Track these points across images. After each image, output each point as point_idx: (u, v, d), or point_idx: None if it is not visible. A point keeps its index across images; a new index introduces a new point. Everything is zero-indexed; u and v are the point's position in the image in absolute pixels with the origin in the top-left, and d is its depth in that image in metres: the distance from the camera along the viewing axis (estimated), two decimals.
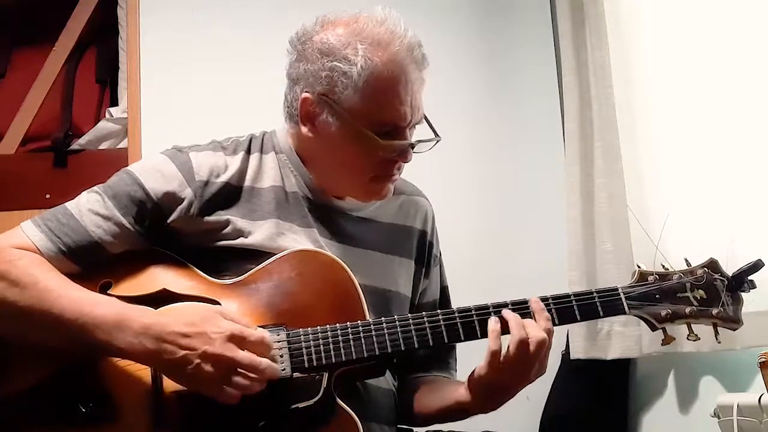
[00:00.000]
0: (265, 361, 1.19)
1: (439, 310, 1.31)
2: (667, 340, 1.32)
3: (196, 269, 1.34)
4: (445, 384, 1.48)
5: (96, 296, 1.26)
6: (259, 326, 1.27)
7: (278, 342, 1.25)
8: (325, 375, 1.25)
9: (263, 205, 1.40)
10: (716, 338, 1.31)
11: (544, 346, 1.25)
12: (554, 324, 1.29)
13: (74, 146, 2.40)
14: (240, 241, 1.36)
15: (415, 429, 1.52)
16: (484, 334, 1.28)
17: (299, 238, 1.39)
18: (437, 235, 1.59)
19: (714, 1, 1.73)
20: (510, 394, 1.32)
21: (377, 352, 1.27)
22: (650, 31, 1.91)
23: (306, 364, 1.24)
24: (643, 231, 1.63)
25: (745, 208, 1.62)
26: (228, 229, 1.36)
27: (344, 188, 1.46)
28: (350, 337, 1.27)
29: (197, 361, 1.16)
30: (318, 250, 1.36)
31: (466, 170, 2.35)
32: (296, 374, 1.24)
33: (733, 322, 1.31)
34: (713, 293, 1.32)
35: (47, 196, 2.28)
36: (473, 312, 1.29)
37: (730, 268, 1.34)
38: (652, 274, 1.34)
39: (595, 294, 1.31)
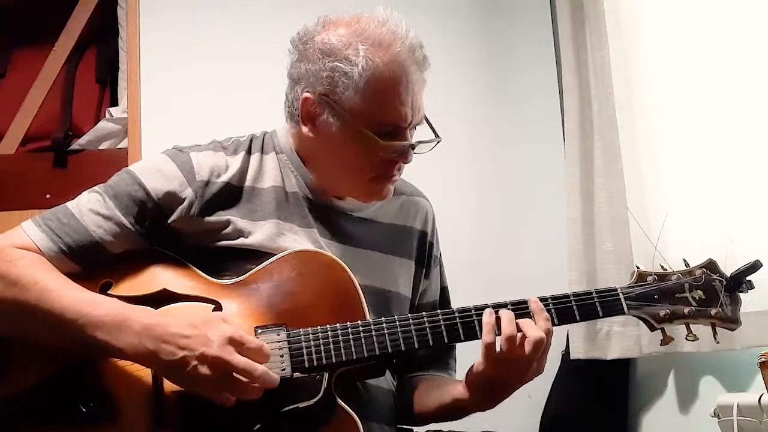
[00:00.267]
0: (261, 368, 1.18)
1: (439, 311, 1.31)
2: (666, 340, 1.32)
3: (196, 269, 1.34)
4: (443, 382, 1.48)
5: (97, 297, 1.26)
6: (260, 326, 1.27)
7: (279, 342, 1.25)
8: (326, 375, 1.25)
9: (264, 205, 1.40)
10: (715, 338, 1.31)
11: (540, 345, 1.25)
12: (554, 324, 1.29)
13: (74, 146, 2.40)
14: (240, 241, 1.36)
15: (415, 429, 1.52)
16: None
17: (299, 239, 1.39)
18: (437, 236, 1.60)
19: (714, 1, 1.73)
20: (507, 392, 1.33)
21: (377, 352, 1.27)
22: (650, 31, 1.91)
23: (306, 364, 1.25)
24: (643, 230, 1.63)
25: (744, 208, 1.62)
26: (228, 230, 1.36)
27: (344, 188, 1.46)
28: (350, 337, 1.27)
29: (194, 362, 1.16)
30: (318, 250, 1.36)
31: (466, 170, 2.35)
32: (296, 374, 1.24)
33: (732, 322, 1.32)
34: (712, 294, 1.32)
35: (47, 196, 2.28)
36: (473, 312, 1.30)
37: (729, 269, 1.34)
38: (651, 275, 1.34)
39: (594, 294, 1.32)
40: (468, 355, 1.37)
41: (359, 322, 1.28)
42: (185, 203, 1.35)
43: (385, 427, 1.40)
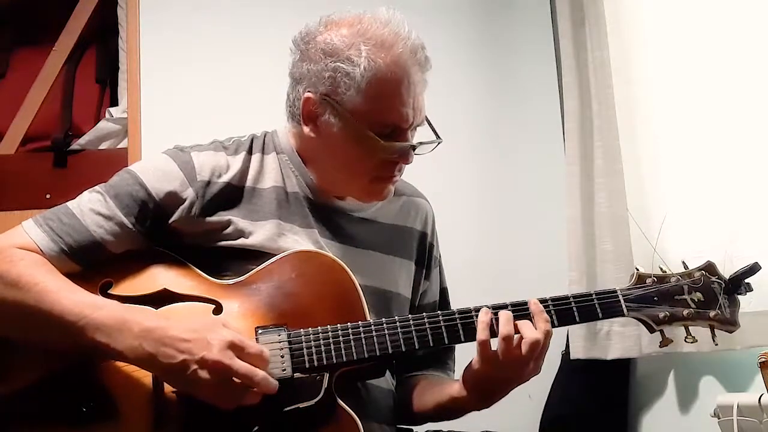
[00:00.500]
0: (261, 373, 1.18)
1: (439, 311, 1.32)
2: (665, 342, 1.33)
3: (196, 269, 1.34)
4: (441, 381, 1.49)
5: (97, 299, 1.26)
6: (260, 326, 1.27)
7: (279, 342, 1.25)
8: (326, 375, 1.25)
9: (264, 205, 1.40)
10: (713, 340, 1.31)
11: (537, 347, 1.25)
12: (553, 325, 1.29)
13: (74, 146, 2.39)
14: (241, 241, 1.36)
15: (414, 429, 1.52)
16: None
17: (300, 239, 1.39)
18: (437, 237, 1.60)
19: (714, 1, 1.73)
20: (503, 391, 1.33)
21: (378, 353, 1.27)
22: (650, 31, 1.91)
23: (307, 365, 1.25)
24: (642, 232, 1.63)
25: (744, 209, 1.62)
26: (229, 230, 1.36)
27: (345, 189, 1.46)
28: (351, 337, 1.27)
29: (194, 366, 1.16)
30: (318, 250, 1.36)
31: (467, 170, 2.35)
32: (297, 374, 1.24)
33: (730, 324, 1.32)
34: (710, 296, 1.33)
35: (47, 196, 2.28)
36: (473, 313, 1.30)
37: (728, 270, 1.34)
38: (651, 277, 1.35)
39: (594, 296, 1.32)
40: (467, 356, 1.37)
41: (360, 322, 1.29)
42: (186, 203, 1.35)
43: (385, 427, 1.40)
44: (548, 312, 1.29)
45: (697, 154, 1.74)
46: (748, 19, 1.64)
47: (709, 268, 1.35)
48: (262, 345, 1.23)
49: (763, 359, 1.39)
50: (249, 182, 1.41)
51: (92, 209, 1.34)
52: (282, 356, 1.24)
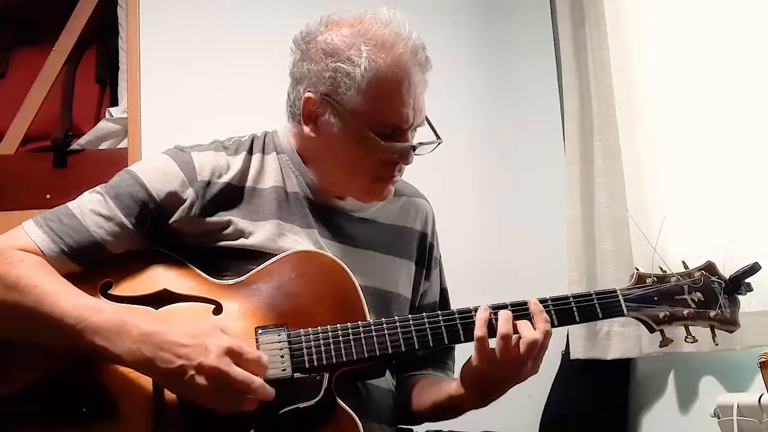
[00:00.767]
0: (258, 380, 1.18)
1: (439, 311, 1.32)
2: (665, 342, 1.33)
3: (196, 269, 1.34)
4: (440, 380, 1.49)
5: (97, 302, 1.26)
6: (260, 326, 1.27)
7: (279, 342, 1.25)
8: (326, 375, 1.25)
9: (264, 205, 1.40)
10: (713, 340, 1.31)
11: (535, 347, 1.25)
12: (553, 325, 1.29)
13: (74, 146, 2.39)
14: (241, 241, 1.36)
15: (414, 429, 1.52)
16: None
17: (300, 239, 1.39)
18: (437, 237, 1.60)
19: (714, 1, 1.73)
20: (500, 390, 1.33)
21: (378, 353, 1.27)
22: (650, 31, 1.91)
23: (307, 365, 1.25)
24: (642, 232, 1.63)
25: (744, 209, 1.62)
26: (229, 230, 1.36)
27: (345, 189, 1.46)
28: (351, 337, 1.27)
29: (192, 372, 1.16)
30: (318, 251, 1.36)
31: (467, 170, 2.35)
32: (297, 374, 1.24)
33: (730, 324, 1.32)
34: (710, 296, 1.33)
35: (47, 196, 2.28)
36: (473, 313, 1.30)
37: (728, 270, 1.34)
38: (651, 277, 1.35)
39: (594, 296, 1.32)
40: (467, 356, 1.37)
41: (359, 322, 1.29)
42: (186, 203, 1.35)
43: (385, 427, 1.40)
44: (548, 312, 1.29)
45: (697, 154, 1.74)
46: (748, 19, 1.64)
47: (709, 267, 1.35)
48: (260, 350, 1.23)
49: (763, 359, 1.39)
50: (249, 182, 1.41)
51: (92, 210, 1.34)
52: (282, 356, 1.24)
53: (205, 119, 2.23)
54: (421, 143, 1.40)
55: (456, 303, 1.49)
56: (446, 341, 1.29)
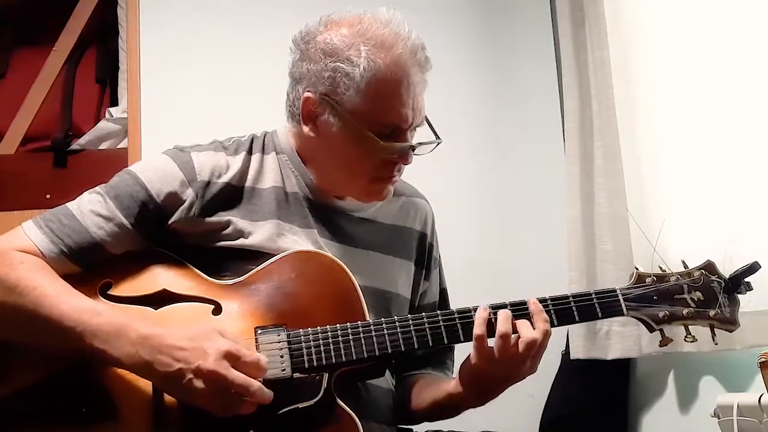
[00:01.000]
0: (256, 384, 1.17)
1: (438, 311, 1.32)
2: (665, 341, 1.33)
3: (196, 270, 1.34)
4: (439, 380, 1.49)
5: (96, 304, 1.26)
6: (260, 326, 1.27)
7: (279, 342, 1.25)
8: (326, 375, 1.25)
9: (264, 205, 1.40)
10: (713, 340, 1.31)
11: (534, 346, 1.25)
12: (553, 325, 1.29)
13: (74, 146, 2.39)
14: (240, 241, 1.36)
15: (414, 429, 1.52)
16: None
17: (299, 239, 1.39)
18: (437, 237, 1.60)
19: (714, 1, 1.73)
20: (498, 388, 1.33)
21: (377, 353, 1.27)
22: (650, 31, 1.91)
23: (306, 365, 1.25)
24: (642, 231, 1.63)
25: (744, 209, 1.62)
26: (229, 230, 1.36)
27: (344, 188, 1.46)
28: (350, 337, 1.27)
29: (190, 376, 1.16)
30: (318, 251, 1.36)
31: (467, 170, 2.35)
32: (296, 374, 1.24)
33: (730, 323, 1.32)
34: (710, 295, 1.32)
35: (47, 196, 2.28)
36: (472, 313, 1.29)
37: (728, 270, 1.34)
38: (650, 276, 1.35)
39: (593, 295, 1.32)
40: (466, 355, 1.37)
41: (359, 322, 1.29)
42: (186, 203, 1.35)
43: (384, 427, 1.40)
44: (548, 312, 1.29)
45: (697, 154, 1.74)
46: (748, 19, 1.64)
47: (709, 267, 1.35)
48: (260, 351, 1.23)
49: (763, 359, 1.39)
50: (249, 182, 1.41)
51: (92, 210, 1.34)
52: (281, 356, 1.24)
53: (205, 119, 2.23)
54: (420, 143, 1.40)
55: (456, 303, 1.49)
56: (446, 341, 1.29)
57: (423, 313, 1.32)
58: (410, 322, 1.30)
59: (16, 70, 2.53)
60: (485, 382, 1.32)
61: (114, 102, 2.50)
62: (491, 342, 1.27)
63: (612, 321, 1.89)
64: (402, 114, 1.35)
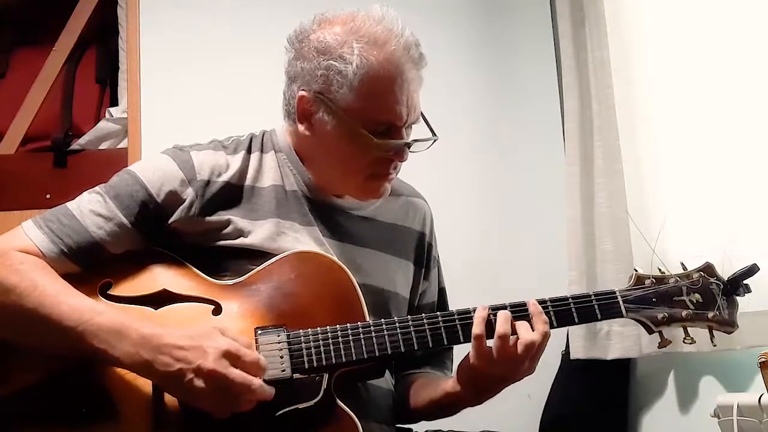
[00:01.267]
0: (257, 382, 1.17)
1: (438, 312, 1.32)
2: (664, 343, 1.33)
3: (196, 270, 1.34)
4: (437, 379, 1.49)
5: (96, 304, 1.25)
6: (260, 327, 1.27)
7: (278, 343, 1.25)
8: (325, 376, 1.25)
9: (263, 204, 1.40)
10: (712, 341, 1.31)
11: (532, 348, 1.25)
12: (552, 326, 1.29)
13: (74, 146, 2.39)
14: (240, 241, 1.36)
15: (414, 429, 1.52)
16: None
17: (301, 237, 1.39)
18: (436, 237, 1.60)
19: (714, 1, 1.73)
20: (496, 388, 1.33)
21: (377, 354, 1.27)
22: (650, 31, 1.91)
23: (306, 365, 1.25)
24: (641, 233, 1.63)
25: (743, 209, 1.62)
26: (228, 229, 1.36)
27: (341, 186, 1.46)
28: (350, 338, 1.27)
29: (191, 375, 1.16)
30: (317, 251, 1.36)
31: (466, 170, 2.35)
32: (296, 375, 1.24)
33: (729, 325, 1.32)
34: (709, 297, 1.33)
35: (47, 196, 2.28)
36: (472, 314, 1.29)
37: (728, 270, 1.34)
38: (649, 278, 1.35)
39: (593, 297, 1.32)
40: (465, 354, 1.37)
41: (359, 323, 1.29)
42: (186, 203, 1.35)
43: (384, 427, 1.40)
44: (547, 313, 1.29)
45: (697, 154, 1.74)
46: (748, 19, 1.64)
47: (708, 269, 1.35)
48: (260, 351, 1.23)
49: (763, 359, 1.39)
50: (248, 181, 1.41)
51: (92, 210, 1.34)
52: (281, 357, 1.24)
53: (205, 119, 2.23)
54: (416, 140, 1.39)
55: (456, 303, 1.49)
56: (445, 342, 1.29)
57: (423, 314, 1.32)
58: (410, 323, 1.30)
59: (16, 70, 2.53)
60: (483, 382, 1.32)
61: (114, 102, 2.50)
62: (490, 342, 1.27)
63: (612, 321, 1.89)
64: (396, 111, 1.35)
